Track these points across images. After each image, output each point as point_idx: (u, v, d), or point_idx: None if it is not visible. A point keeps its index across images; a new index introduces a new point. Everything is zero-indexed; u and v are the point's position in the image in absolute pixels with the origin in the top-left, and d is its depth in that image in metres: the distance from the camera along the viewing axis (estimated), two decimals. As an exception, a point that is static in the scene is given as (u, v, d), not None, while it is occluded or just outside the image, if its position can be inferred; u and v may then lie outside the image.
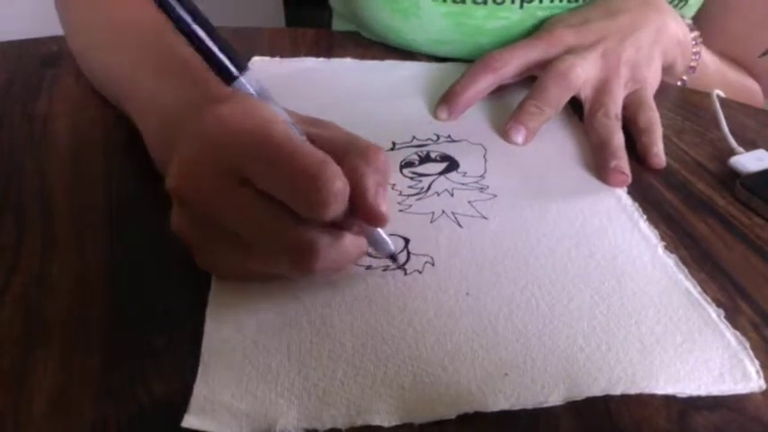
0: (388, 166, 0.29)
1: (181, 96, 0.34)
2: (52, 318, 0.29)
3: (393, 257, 0.32)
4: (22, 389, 0.26)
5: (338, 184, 0.25)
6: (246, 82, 0.29)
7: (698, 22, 0.58)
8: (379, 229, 0.30)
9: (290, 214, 0.26)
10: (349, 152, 0.28)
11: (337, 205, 0.26)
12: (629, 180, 0.41)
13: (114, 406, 0.26)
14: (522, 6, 0.53)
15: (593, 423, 0.26)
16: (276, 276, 0.31)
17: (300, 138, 0.28)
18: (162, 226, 0.35)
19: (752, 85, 0.64)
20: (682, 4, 0.57)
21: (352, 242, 0.29)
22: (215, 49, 0.28)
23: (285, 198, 0.26)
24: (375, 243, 0.31)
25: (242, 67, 0.29)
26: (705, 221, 0.38)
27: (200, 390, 0.26)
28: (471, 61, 0.50)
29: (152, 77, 0.37)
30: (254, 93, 0.29)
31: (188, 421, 0.25)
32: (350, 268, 0.32)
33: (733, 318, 0.31)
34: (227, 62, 0.28)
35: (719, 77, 0.60)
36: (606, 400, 0.27)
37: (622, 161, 0.41)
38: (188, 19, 0.28)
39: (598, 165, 0.42)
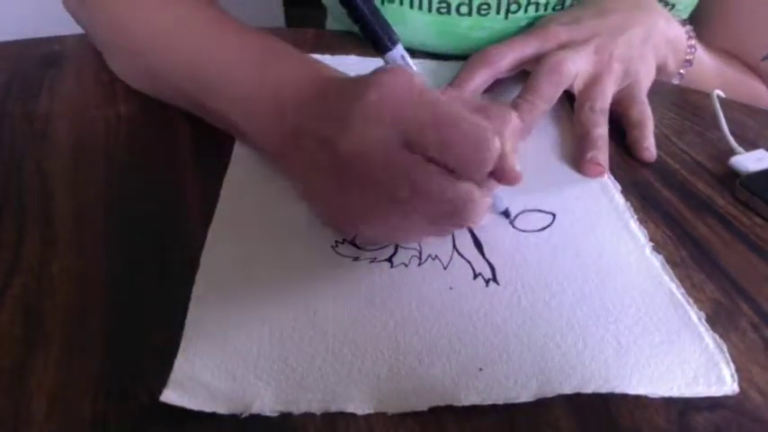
0: (519, 127, 0.33)
1: (302, 78, 0.36)
2: (52, 318, 0.29)
3: (507, 213, 0.36)
4: (22, 389, 0.26)
5: (497, 144, 0.29)
6: (398, 53, 0.35)
7: (698, 21, 0.58)
8: (498, 189, 0.34)
9: (449, 173, 0.29)
10: (486, 115, 0.31)
11: (491, 165, 0.30)
12: (605, 171, 0.41)
13: (114, 406, 0.26)
14: (506, 17, 0.54)
15: (593, 423, 0.26)
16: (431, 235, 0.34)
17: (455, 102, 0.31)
18: (162, 226, 0.35)
19: (756, 85, 0.64)
20: (669, 7, 0.57)
21: (489, 198, 0.31)
22: (372, 22, 0.34)
23: (451, 159, 0.29)
24: (494, 200, 0.36)
25: (394, 41, 0.35)
26: (705, 221, 0.38)
27: (180, 366, 0.27)
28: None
29: (256, 66, 0.38)
30: (411, 64, 0.35)
31: (166, 396, 0.25)
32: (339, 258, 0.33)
33: (733, 318, 0.31)
34: (383, 34, 0.35)
35: (718, 74, 0.60)
36: (606, 401, 0.27)
37: (599, 152, 0.42)
38: None
39: (577, 156, 0.43)
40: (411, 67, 0.34)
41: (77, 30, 0.52)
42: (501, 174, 0.31)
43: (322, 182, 0.33)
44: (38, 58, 0.49)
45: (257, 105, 0.37)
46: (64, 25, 0.53)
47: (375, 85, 0.31)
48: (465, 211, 0.30)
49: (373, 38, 0.34)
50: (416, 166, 0.29)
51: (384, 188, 0.30)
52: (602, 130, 0.44)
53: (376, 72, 0.32)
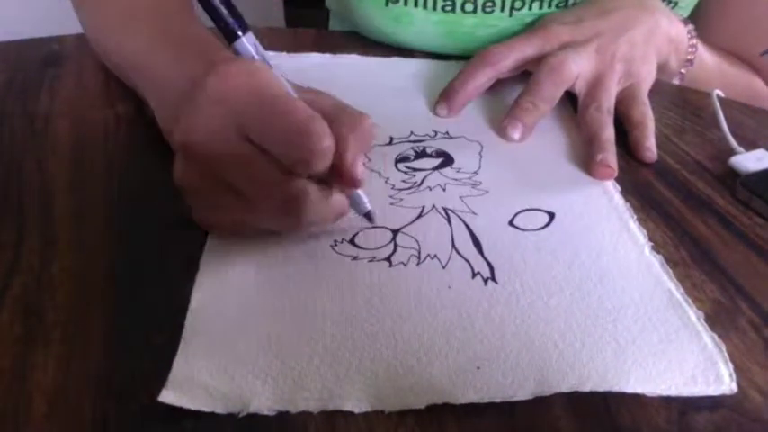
0: (370, 135, 0.32)
1: (191, 70, 0.35)
2: (52, 318, 0.29)
3: (369, 216, 0.34)
4: (22, 389, 0.26)
5: (325, 142, 0.28)
6: (248, 42, 0.33)
7: (697, 18, 0.58)
8: (359, 190, 0.33)
9: (283, 169, 0.29)
10: (337, 118, 0.30)
11: (321, 161, 0.29)
12: (615, 173, 0.41)
13: (114, 406, 0.26)
14: (511, 14, 0.54)
15: (593, 423, 0.26)
16: (268, 230, 0.33)
17: (294, 97, 0.30)
18: (162, 226, 0.35)
19: (756, 83, 0.64)
20: (672, 5, 0.57)
21: (336, 199, 0.31)
22: (221, 9, 0.32)
23: (277, 151, 0.29)
24: (353, 202, 0.34)
25: (245, 29, 0.33)
26: (705, 221, 0.38)
27: (179, 366, 0.27)
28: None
29: (166, 57, 0.38)
30: (254, 53, 0.33)
31: (165, 396, 0.25)
32: (331, 253, 0.34)
33: (733, 318, 0.31)
34: (232, 22, 0.32)
35: (718, 73, 0.60)
36: (606, 400, 0.27)
37: (609, 155, 0.42)
38: None
39: (586, 158, 0.43)
40: (264, 57, 0.33)
41: (77, 30, 0.52)
42: (339, 174, 0.30)
43: (184, 174, 0.32)
44: (38, 58, 0.49)
45: (163, 93, 0.38)
46: (64, 25, 0.53)
47: (212, 75, 0.30)
48: (300, 208, 0.29)
49: (222, 24, 0.32)
50: (253, 158, 0.29)
51: (225, 180, 0.30)
52: (609, 133, 0.44)
53: (218, 62, 0.31)
